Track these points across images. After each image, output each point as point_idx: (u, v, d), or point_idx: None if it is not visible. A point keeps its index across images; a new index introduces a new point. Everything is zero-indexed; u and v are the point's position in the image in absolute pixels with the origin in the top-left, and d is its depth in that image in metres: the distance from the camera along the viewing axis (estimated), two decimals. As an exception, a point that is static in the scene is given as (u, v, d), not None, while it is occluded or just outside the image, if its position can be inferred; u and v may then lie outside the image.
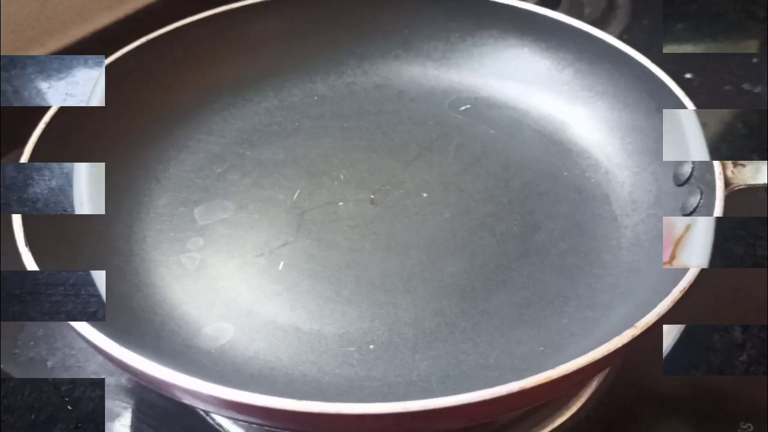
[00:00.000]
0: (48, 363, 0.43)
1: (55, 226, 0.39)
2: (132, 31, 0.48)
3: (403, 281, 0.41)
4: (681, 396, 0.42)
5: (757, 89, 0.61)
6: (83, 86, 0.37)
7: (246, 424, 0.38)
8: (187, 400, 0.31)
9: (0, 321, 0.35)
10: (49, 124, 0.42)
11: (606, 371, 0.41)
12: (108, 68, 0.46)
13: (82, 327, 0.31)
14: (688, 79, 0.62)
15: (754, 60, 0.64)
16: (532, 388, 0.29)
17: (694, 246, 0.35)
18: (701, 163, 0.39)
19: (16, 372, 0.42)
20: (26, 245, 0.34)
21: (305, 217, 0.44)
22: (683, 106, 0.41)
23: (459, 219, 0.44)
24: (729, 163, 0.38)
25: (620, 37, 0.67)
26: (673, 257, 0.36)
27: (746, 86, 0.62)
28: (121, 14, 0.61)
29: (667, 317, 0.32)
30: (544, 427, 0.40)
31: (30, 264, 0.34)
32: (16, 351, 0.44)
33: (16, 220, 0.36)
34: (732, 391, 0.42)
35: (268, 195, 0.46)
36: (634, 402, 0.41)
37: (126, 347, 0.30)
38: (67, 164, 0.36)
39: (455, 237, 0.43)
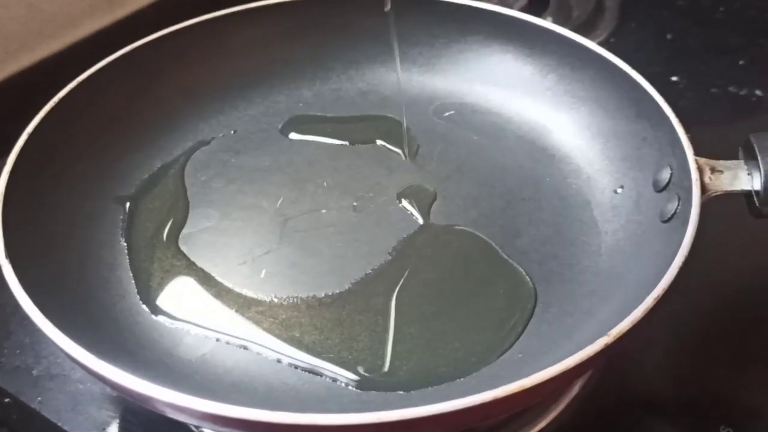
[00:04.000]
0: (33, 372, 0.43)
1: (37, 238, 0.39)
2: (119, 38, 0.48)
3: (384, 288, 0.41)
4: (662, 400, 0.42)
5: (743, 92, 0.62)
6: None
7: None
8: (168, 413, 0.31)
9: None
10: (32, 133, 0.42)
11: (588, 375, 0.41)
12: (94, 76, 0.46)
13: (60, 338, 0.31)
14: (674, 81, 0.63)
15: (741, 62, 0.64)
16: (506, 398, 0.29)
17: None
18: (680, 169, 0.39)
19: (1, 381, 0.43)
20: (6, 257, 0.34)
21: (288, 224, 0.44)
22: (663, 113, 0.42)
23: (441, 225, 0.44)
24: (707, 169, 0.39)
25: (608, 40, 0.67)
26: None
27: (732, 89, 0.62)
28: (108, 22, 0.61)
29: (642, 324, 0.32)
30: (526, 431, 0.40)
31: (10, 277, 0.34)
32: (2, 360, 0.44)
33: (-4, 232, 0.36)
34: (713, 395, 0.42)
35: (252, 203, 0.46)
36: (616, 405, 0.42)
37: (104, 359, 0.30)
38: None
39: (437, 243, 0.43)
